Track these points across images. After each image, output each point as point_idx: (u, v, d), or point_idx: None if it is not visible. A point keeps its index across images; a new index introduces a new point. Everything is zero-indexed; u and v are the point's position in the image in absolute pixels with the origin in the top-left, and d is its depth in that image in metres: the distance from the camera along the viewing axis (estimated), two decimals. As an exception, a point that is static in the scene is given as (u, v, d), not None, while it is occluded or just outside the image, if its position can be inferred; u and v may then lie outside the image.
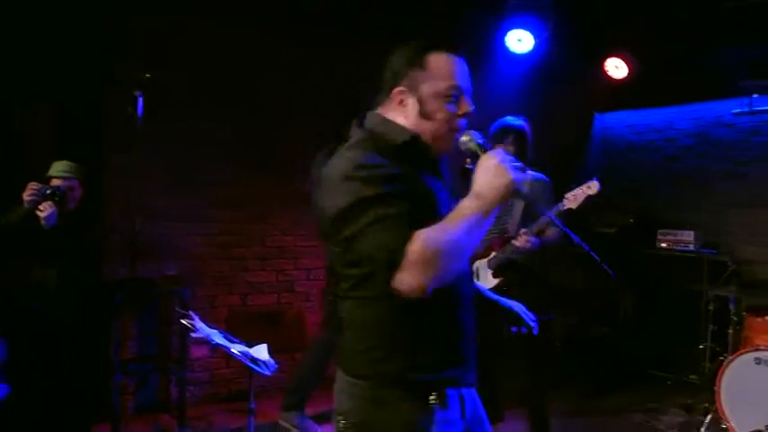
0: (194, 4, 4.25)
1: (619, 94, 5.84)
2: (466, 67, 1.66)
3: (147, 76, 3.61)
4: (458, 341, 1.62)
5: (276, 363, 2.94)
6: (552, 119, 5.29)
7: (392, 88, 1.63)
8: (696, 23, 4.91)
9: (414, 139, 1.61)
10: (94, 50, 4.00)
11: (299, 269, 4.91)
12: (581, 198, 3.29)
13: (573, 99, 5.96)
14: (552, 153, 4.22)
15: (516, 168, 1.50)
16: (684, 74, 5.40)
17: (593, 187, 3.28)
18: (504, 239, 3.56)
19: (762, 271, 5.14)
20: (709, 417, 4.05)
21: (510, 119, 3.60)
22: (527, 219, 3.50)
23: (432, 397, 1.53)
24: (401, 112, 1.63)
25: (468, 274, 1.77)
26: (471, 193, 1.48)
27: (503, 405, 3.79)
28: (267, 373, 2.91)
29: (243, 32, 4.47)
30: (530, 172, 3.58)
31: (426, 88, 1.60)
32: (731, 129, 5.85)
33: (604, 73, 5.56)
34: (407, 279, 1.40)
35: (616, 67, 5.52)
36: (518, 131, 3.53)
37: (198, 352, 4.38)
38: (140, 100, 3.60)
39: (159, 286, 4.21)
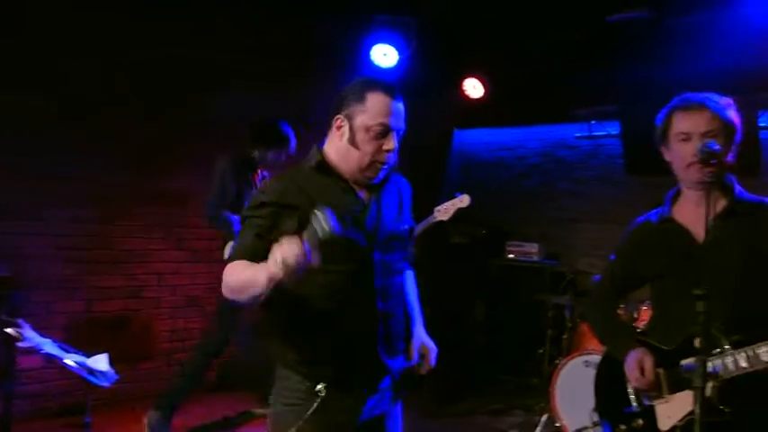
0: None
1: (476, 112, 6.15)
2: (401, 111, 1.90)
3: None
4: (333, 342, 1.85)
5: (118, 374, 2.75)
6: (414, 133, 5.45)
7: (335, 115, 1.88)
8: (543, 53, 5.32)
9: (319, 164, 1.89)
10: None
11: (149, 273, 4.64)
12: (452, 211, 3.47)
13: (434, 115, 6.19)
14: (413, 166, 4.35)
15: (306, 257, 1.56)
16: (533, 98, 5.81)
17: (464, 201, 3.48)
18: None
19: (593, 281, 5.64)
20: (545, 416, 4.36)
21: None
22: None
23: (319, 386, 1.80)
24: (336, 137, 1.89)
25: (372, 282, 1.89)
26: (263, 265, 1.61)
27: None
28: (106, 384, 2.72)
29: (93, 15, 4.16)
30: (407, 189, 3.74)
31: (359, 120, 1.84)
32: (574, 150, 6.41)
33: (463, 92, 5.84)
34: None
35: (474, 87, 5.81)
36: None
37: (29, 362, 3.99)
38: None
39: (-16, 290, 3.78)
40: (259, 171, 3.98)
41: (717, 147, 1.83)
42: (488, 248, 6.21)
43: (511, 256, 6.02)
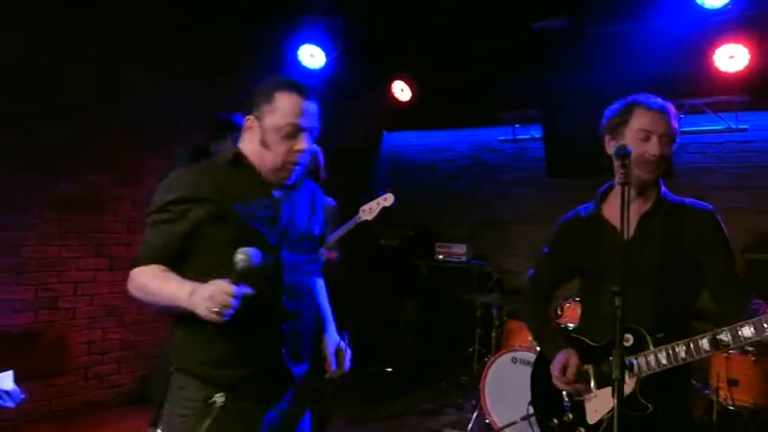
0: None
1: (404, 115, 6.21)
2: (314, 111, 1.85)
3: None
4: (239, 345, 1.78)
5: (24, 392, 2.56)
6: (343, 135, 5.43)
7: (247, 115, 1.86)
8: (469, 57, 5.42)
9: (235, 158, 1.86)
10: None
11: (64, 283, 4.36)
12: (376, 210, 3.47)
13: (362, 117, 6.20)
14: (342, 168, 4.33)
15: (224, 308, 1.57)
16: (460, 101, 5.93)
17: (388, 199, 3.48)
18: None
19: (520, 280, 5.78)
20: (475, 413, 4.42)
21: None
22: None
23: (215, 397, 1.73)
24: (249, 138, 1.87)
25: (279, 279, 1.85)
26: (185, 288, 1.64)
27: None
28: (11, 405, 2.53)
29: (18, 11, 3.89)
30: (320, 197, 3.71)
31: (269, 121, 1.81)
32: (499, 153, 6.57)
33: (391, 94, 5.87)
34: None
35: (402, 90, 5.86)
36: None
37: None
38: None
39: None
40: None
41: (629, 149, 1.89)
42: (418, 250, 6.26)
43: (440, 257, 6.09)
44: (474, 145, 6.75)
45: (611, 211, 2.10)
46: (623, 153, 1.85)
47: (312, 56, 5.11)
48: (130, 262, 1.78)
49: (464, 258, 6.00)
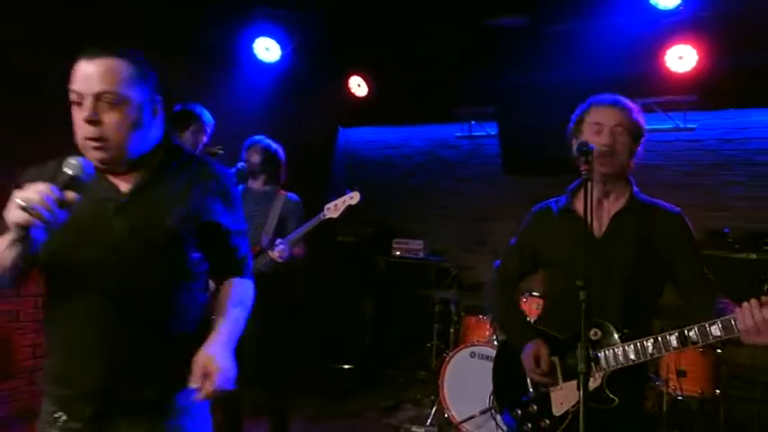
0: None
1: (360, 110, 6.17)
2: (91, 71, 1.53)
3: None
4: (63, 359, 1.62)
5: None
6: (299, 130, 5.36)
7: None
8: (426, 53, 5.42)
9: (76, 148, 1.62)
10: None
11: (7, 283, 4.15)
12: (342, 208, 3.45)
13: (318, 112, 6.13)
14: (298, 164, 4.27)
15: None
16: (417, 97, 5.92)
17: (354, 198, 3.47)
18: (255, 251, 3.51)
19: (477, 276, 5.86)
20: (434, 408, 4.45)
21: (261, 138, 3.71)
22: (279, 234, 3.52)
23: (59, 412, 1.61)
24: None
25: (112, 285, 1.59)
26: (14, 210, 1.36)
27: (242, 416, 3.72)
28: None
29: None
30: (283, 192, 3.67)
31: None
32: (455, 150, 6.61)
33: (348, 89, 5.83)
34: None
35: (358, 85, 5.82)
36: (269, 152, 3.67)
37: None
38: None
39: None
40: None
41: (592, 146, 1.93)
42: (375, 246, 6.25)
43: (397, 253, 6.09)
44: (431, 141, 6.77)
45: (581, 206, 2.13)
46: (585, 149, 1.89)
47: (267, 49, 5.02)
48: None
49: (421, 254, 6.02)
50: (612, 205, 2.08)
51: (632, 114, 2.07)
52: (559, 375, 2.05)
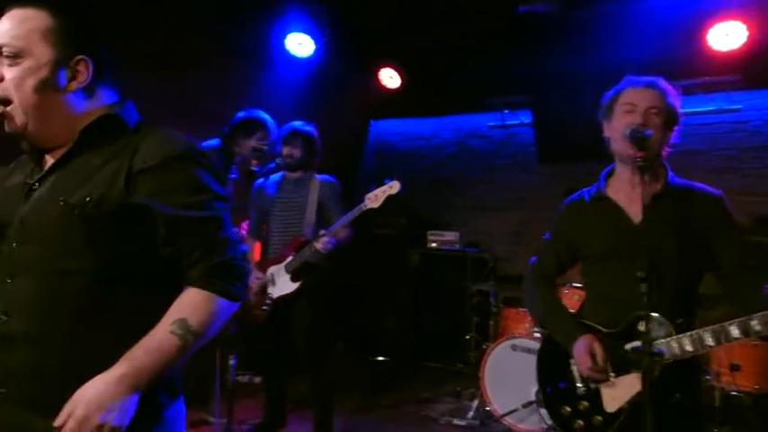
0: None
1: (392, 102, 6.13)
2: (2, 24, 1.35)
3: None
4: None
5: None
6: (331, 123, 5.35)
7: None
8: (457, 43, 5.36)
9: None
10: None
11: None
12: (382, 198, 3.44)
13: (350, 105, 6.12)
14: (331, 156, 4.28)
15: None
16: (448, 88, 5.86)
17: (394, 187, 3.45)
18: (300, 242, 3.53)
19: (514, 267, 5.79)
20: (475, 401, 4.42)
21: (299, 124, 3.71)
22: (321, 221, 3.54)
23: None
24: None
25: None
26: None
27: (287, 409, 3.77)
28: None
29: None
30: (317, 176, 3.68)
31: None
32: (487, 140, 6.53)
33: (379, 82, 5.80)
34: None
35: (390, 77, 5.78)
36: (306, 136, 3.67)
37: None
38: None
39: None
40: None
41: (648, 132, 1.88)
42: (410, 238, 6.23)
43: (433, 245, 6.06)
44: (462, 132, 6.70)
45: (616, 193, 2.08)
46: (639, 135, 1.84)
47: (300, 44, 5.02)
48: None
49: (457, 246, 5.97)
50: (647, 190, 2.00)
51: (668, 97, 2.01)
52: (610, 370, 1.99)
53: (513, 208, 6.09)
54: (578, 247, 2.16)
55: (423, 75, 5.77)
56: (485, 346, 4.49)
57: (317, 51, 5.05)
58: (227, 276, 1.39)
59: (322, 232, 3.40)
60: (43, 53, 1.34)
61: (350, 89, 5.93)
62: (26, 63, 1.32)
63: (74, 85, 1.38)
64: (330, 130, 4.98)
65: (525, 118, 6.03)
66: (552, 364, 2.18)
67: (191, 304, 1.35)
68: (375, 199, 3.43)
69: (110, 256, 1.33)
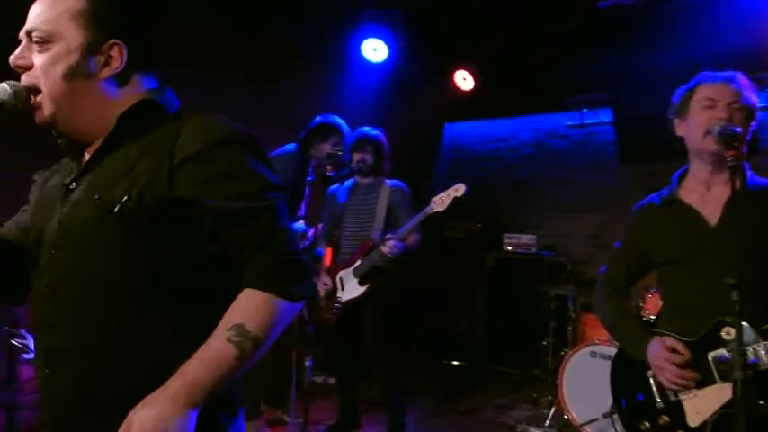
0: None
1: (466, 104, 6.09)
2: (34, 8, 1.25)
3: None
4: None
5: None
6: (405, 127, 5.40)
7: None
8: (533, 42, 5.27)
9: None
10: None
11: None
12: (448, 201, 3.43)
13: (424, 108, 6.14)
14: (404, 161, 4.31)
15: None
16: (524, 88, 5.76)
17: (459, 190, 3.43)
18: (368, 247, 3.58)
19: (593, 270, 5.58)
20: (552, 409, 4.31)
21: (368, 129, 3.75)
22: (390, 227, 3.57)
23: None
24: None
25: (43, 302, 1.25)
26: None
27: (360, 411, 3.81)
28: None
29: None
30: (387, 181, 3.71)
31: None
32: (565, 140, 6.36)
33: (453, 84, 5.78)
34: None
35: (464, 80, 5.76)
36: (376, 142, 3.70)
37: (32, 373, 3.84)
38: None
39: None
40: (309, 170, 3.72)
41: (739, 129, 1.79)
42: (485, 241, 6.16)
43: (509, 248, 5.96)
44: (539, 132, 6.56)
45: (690, 195, 1.98)
46: (730, 133, 1.76)
47: (375, 50, 5.10)
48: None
49: (533, 249, 5.85)
50: (723, 190, 1.89)
51: (746, 92, 1.91)
52: (691, 381, 1.89)
53: (591, 210, 5.90)
54: (650, 254, 2.06)
55: (497, 75, 5.71)
56: (563, 353, 4.37)
57: (390, 56, 5.10)
58: (286, 273, 1.20)
59: (389, 236, 3.43)
60: (74, 37, 1.21)
61: (424, 92, 5.95)
62: (56, 48, 1.21)
63: (106, 72, 1.25)
64: (404, 134, 5.03)
65: (605, 116, 5.84)
66: (628, 375, 2.08)
67: (247, 307, 1.17)
68: (441, 202, 3.42)
69: (154, 259, 1.19)
